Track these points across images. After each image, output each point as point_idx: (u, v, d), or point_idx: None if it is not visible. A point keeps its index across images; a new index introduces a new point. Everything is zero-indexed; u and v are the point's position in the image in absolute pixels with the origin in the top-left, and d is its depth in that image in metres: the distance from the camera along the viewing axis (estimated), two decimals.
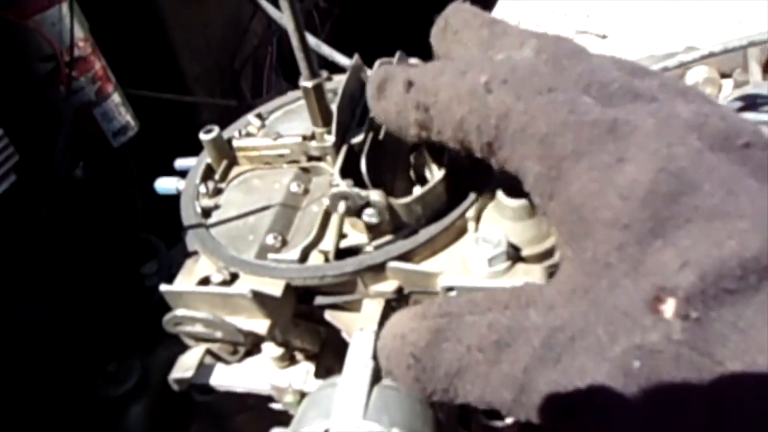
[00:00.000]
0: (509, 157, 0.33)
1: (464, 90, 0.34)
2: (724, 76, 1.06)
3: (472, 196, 0.49)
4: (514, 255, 0.45)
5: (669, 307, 0.27)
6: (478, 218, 0.48)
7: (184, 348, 0.55)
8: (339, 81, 0.64)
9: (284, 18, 0.46)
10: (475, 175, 0.51)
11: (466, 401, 0.32)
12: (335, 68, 0.94)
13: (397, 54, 0.56)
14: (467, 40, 0.41)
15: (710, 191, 0.28)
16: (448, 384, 0.32)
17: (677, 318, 0.26)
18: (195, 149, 0.61)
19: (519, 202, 0.47)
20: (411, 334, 0.32)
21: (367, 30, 1.83)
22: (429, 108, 0.36)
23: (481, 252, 0.44)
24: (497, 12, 1.34)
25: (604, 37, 1.24)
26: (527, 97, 0.32)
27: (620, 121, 0.30)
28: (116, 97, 0.98)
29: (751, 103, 0.87)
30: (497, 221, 0.48)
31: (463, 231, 0.48)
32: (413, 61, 0.59)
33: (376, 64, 0.59)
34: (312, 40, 0.92)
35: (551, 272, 0.45)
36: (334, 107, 0.51)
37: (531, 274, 0.44)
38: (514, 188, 0.49)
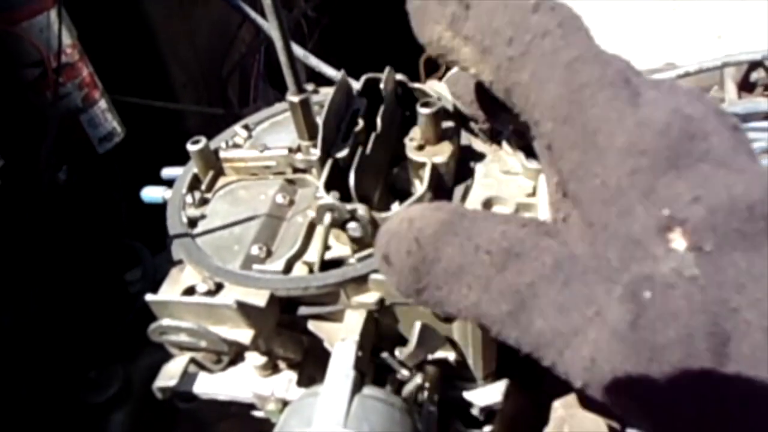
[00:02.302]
0: (529, 79, 0.32)
1: (511, 2, 0.33)
2: None
3: None
4: None
5: (679, 239, 0.26)
6: None
7: (166, 355, 0.55)
8: (326, 94, 0.65)
9: (272, 31, 0.47)
10: (455, 191, 0.53)
11: (457, 309, 0.31)
12: (322, 79, 0.96)
13: (386, 69, 0.57)
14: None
15: (717, 143, 0.28)
16: (444, 282, 0.31)
17: (690, 251, 0.26)
18: (181, 156, 0.62)
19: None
20: (420, 220, 0.31)
21: (356, 39, 1.85)
22: (470, 6, 0.35)
23: None
24: None
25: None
26: (567, 26, 0.32)
27: (637, 81, 0.31)
28: (103, 104, 0.98)
29: None
30: None
31: None
32: (400, 77, 0.61)
33: (362, 78, 0.60)
34: (299, 51, 0.93)
35: None
36: (320, 120, 0.52)
37: None
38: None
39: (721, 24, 1.17)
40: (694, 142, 0.28)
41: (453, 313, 0.31)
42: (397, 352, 0.51)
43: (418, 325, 0.49)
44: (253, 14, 1.04)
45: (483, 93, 0.46)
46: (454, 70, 0.59)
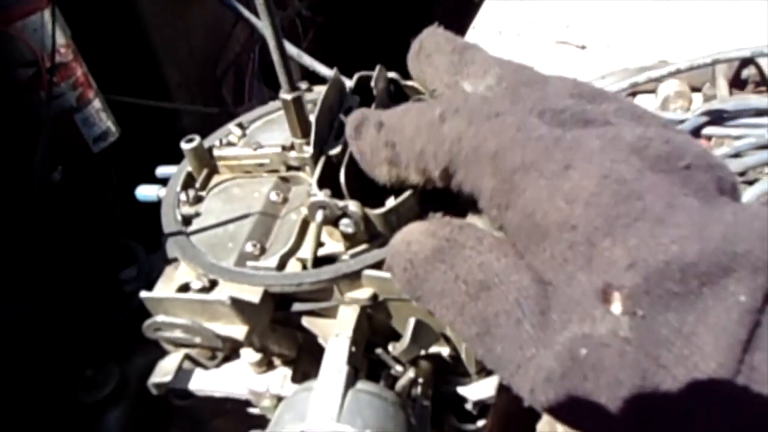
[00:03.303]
0: (464, 178, 0.37)
1: (423, 123, 0.38)
2: (694, 89, 1.09)
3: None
4: None
5: (616, 303, 0.29)
6: None
7: (162, 353, 0.55)
8: (319, 92, 0.66)
9: (265, 30, 0.48)
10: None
11: (443, 322, 0.35)
12: (316, 77, 0.96)
13: (378, 67, 0.58)
14: (438, 64, 0.44)
15: (652, 201, 0.30)
16: (430, 299, 0.35)
17: (624, 314, 0.29)
18: (176, 155, 0.62)
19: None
20: (415, 244, 0.36)
21: (351, 38, 1.85)
22: (396, 144, 0.40)
23: None
24: (479, 23, 1.37)
25: (583, 47, 1.28)
26: (477, 122, 0.35)
27: (567, 137, 0.33)
28: (97, 103, 0.99)
29: (716, 117, 0.91)
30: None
31: None
32: (392, 74, 0.61)
33: (355, 76, 0.61)
34: (293, 50, 0.94)
35: None
36: (313, 118, 0.52)
37: None
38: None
39: (715, 22, 1.18)
40: (627, 202, 0.30)
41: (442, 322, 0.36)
42: (390, 348, 0.52)
43: (412, 321, 0.49)
44: (246, 13, 1.04)
45: None
46: None
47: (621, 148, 0.33)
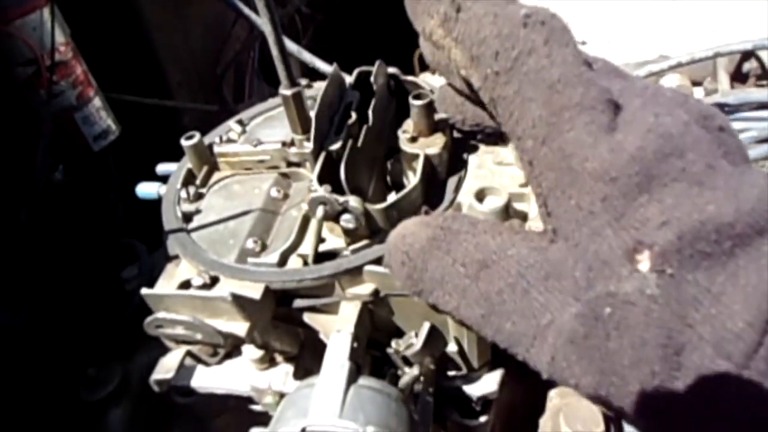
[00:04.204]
0: (512, 95, 0.34)
1: (502, 12, 0.35)
2: (695, 83, 1.09)
3: (446, 201, 0.51)
4: None
5: (645, 261, 0.28)
6: None
7: (164, 351, 0.55)
8: (319, 88, 0.66)
9: (264, 26, 0.48)
10: (448, 182, 0.53)
11: (447, 310, 0.35)
12: (316, 74, 0.96)
13: (377, 63, 0.58)
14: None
15: (693, 159, 0.29)
16: (432, 289, 0.35)
17: (652, 272, 0.28)
18: (177, 153, 0.62)
19: (491, 208, 0.48)
20: (410, 237, 0.36)
21: (350, 35, 1.85)
22: (461, 9, 0.36)
23: None
24: None
25: (583, 43, 1.27)
26: (554, 43, 0.33)
27: (620, 91, 0.32)
28: (97, 102, 0.98)
29: None
30: None
31: None
32: (392, 70, 0.61)
33: (355, 72, 0.61)
34: (293, 47, 0.93)
35: None
36: (312, 114, 0.52)
37: None
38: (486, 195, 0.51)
39: (715, 17, 1.17)
40: (669, 161, 0.30)
41: (447, 313, 0.36)
42: (393, 344, 0.52)
43: (426, 326, 0.50)
44: (246, 10, 1.04)
45: (469, 107, 0.48)
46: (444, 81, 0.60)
47: (664, 101, 0.32)
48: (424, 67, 1.47)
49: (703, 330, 0.27)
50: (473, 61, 0.36)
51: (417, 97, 0.53)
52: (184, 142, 0.59)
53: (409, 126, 0.55)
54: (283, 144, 0.58)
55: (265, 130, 0.64)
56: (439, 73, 0.44)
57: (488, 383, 0.56)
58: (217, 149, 0.61)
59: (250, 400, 0.60)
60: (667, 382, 0.28)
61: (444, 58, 0.39)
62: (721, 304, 0.27)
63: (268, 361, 0.58)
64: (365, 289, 0.49)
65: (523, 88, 0.33)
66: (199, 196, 0.59)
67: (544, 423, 0.62)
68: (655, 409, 0.28)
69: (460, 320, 0.35)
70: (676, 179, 0.29)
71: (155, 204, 0.62)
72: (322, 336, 0.51)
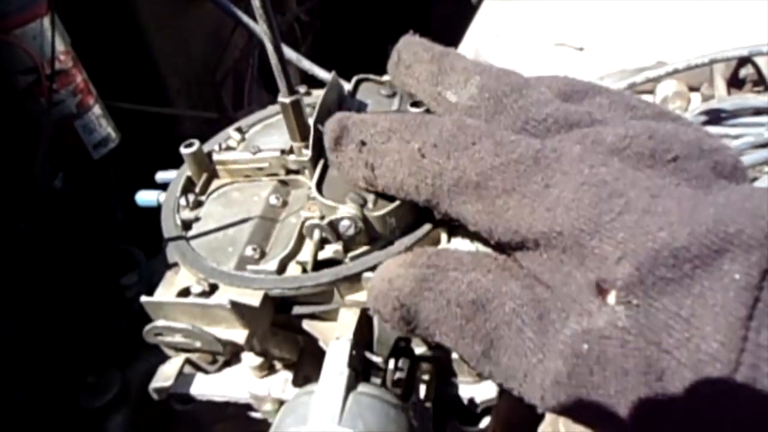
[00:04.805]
0: (449, 208, 0.37)
1: (405, 156, 0.38)
2: (692, 89, 1.10)
3: None
4: None
5: (611, 296, 0.30)
6: (450, 230, 0.50)
7: (163, 359, 0.55)
8: (318, 96, 0.66)
9: (263, 34, 0.48)
10: None
11: (444, 346, 0.36)
12: (315, 81, 0.96)
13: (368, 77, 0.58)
14: (418, 74, 0.45)
15: (636, 196, 0.30)
16: (427, 328, 0.36)
17: (620, 305, 0.29)
18: (176, 161, 0.62)
19: None
20: (397, 280, 0.36)
21: (349, 43, 1.86)
22: (375, 168, 0.41)
23: None
24: (477, 25, 1.37)
25: (581, 49, 1.28)
26: (456, 154, 0.36)
27: (546, 150, 0.34)
28: (97, 110, 0.99)
29: (714, 117, 0.91)
30: (469, 233, 0.49)
31: (436, 242, 0.50)
32: (386, 78, 0.61)
33: (353, 79, 0.61)
34: (292, 54, 0.94)
35: None
36: (311, 122, 0.53)
37: None
38: None
39: (712, 22, 1.18)
40: (610, 201, 0.31)
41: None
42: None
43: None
44: (245, 18, 1.04)
45: None
46: None
47: (600, 151, 0.33)
48: None
49: (680, 354, 0.27)
50: (406, 198, 0.42)
51: (414, 105, 0.53)
52: (184, 150, 0.59)
53: None
54: (282, 152, 0.58)
55: (264, 138, 0.65)
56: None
57: (487, 390, 0.56)
58: (216, 157, 0.61)
59: (249, 407, 0.60)
60: (654, 406, 0.28)
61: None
62: (693, 327, 0.27)
63: (267, 369, 0.58)
64: (364, 295, 0.49)
65: (453, 200, 0.37)
66: (198, 204, 0.59)
67: (544, 429, 0.62)
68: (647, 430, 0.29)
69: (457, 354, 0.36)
70: (622, 212, 0.30)
71: (154, 211, 0.63)
72: (321, 343, 0.51)
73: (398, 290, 0.36)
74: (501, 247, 0.37)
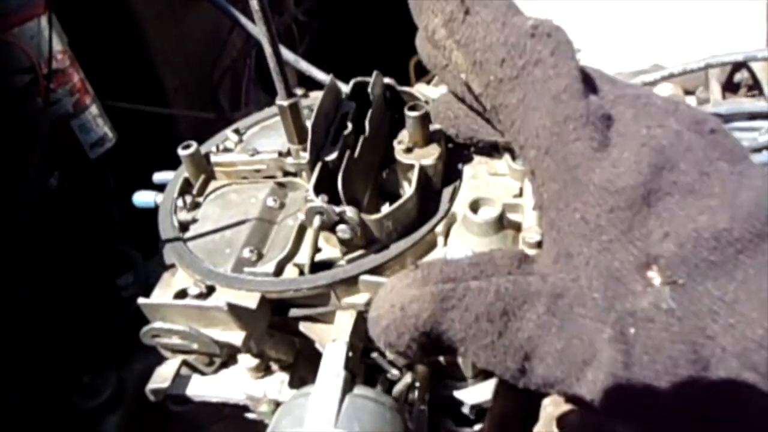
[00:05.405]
0: (516, 104, 0.33)
1: (509, 21, 0.34)
2: (688, 93, 1.10)
3: (441, 212, 0.51)
4: None
5: (656, 275, 0.28)
6: (446, 233, 0.51)
7: (159, 359, 0.55)
8: (315, 97, 0.66)
9: (261, 37, 0.48)
10: (443, 192, 0.54)
11: (479, 365, 0.33)
12: (313, 82, 0.96)
13: (374, 74, 0.58)
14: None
15: (686, 170, 0.30)
16: (452, 349, 0.32)
17: (665, 285, 0.28)
18: (173, 161, 0.62)
19: (485, 218, 0.49)
20: (412, 305, 0.31)
21: (347, 43, 1.86)
22: (470, 12, 0.35)
23: None
24: None
25: (578, 51, 1.28)
26: (560, 55, 0.33)
27: (613, 102, 0.33)
28: (94, 109, 0.99)
29: None
30: (464, 236, 0.50)
31: (432, 245, 0.50)
32: (389, 80, 0.61)
33: (351, 82, 0.61)
34: (290, 55, 0.94)
35: None
36: (309, 124, 0.53)
37: None
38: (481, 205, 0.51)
39: (708, 26, 1.18)
40: (662, 174, 0.30)
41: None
42: (387, 352, 0.52)
43: None
44: (243, 20, 1.04)
45: (462, 121, 0.48)
46: (440, 90, 0.60)
47: (654, 113, 0.32)
48: (420, 74, 1.48)
49: (725, 341, 0.27)
50: (476, 65, 0.35)
51: (412, 108, 0.53)
52: (181, 152, 0.59)
53: (404, 136, 0.56)
54: (280, 154, 0.58)
55: (261, 140, 0.65)
56: (434, 72, 0.43)
57: (482, 392, 0.56)
58: (213, 158, 0.61)
59: (245, 408, 0.60)
60: (701, 396, 0.27)
61: (442, 59, 0.39)
62: (737, 313, 0.27)
63: (264, 370, 0.58)
64: (360, 298, 0.50)
65: (528, 97, 0.33)
66: (195, 205, 0.59)
67: (538, 430, 0.63)
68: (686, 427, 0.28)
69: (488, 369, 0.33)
70: (669, 193, 0.29)
71: (151, 211, 0.63)
72: (317, 345, 0.51)
73: (415, 317, 0.31)
74: (537, 180, 0.33)
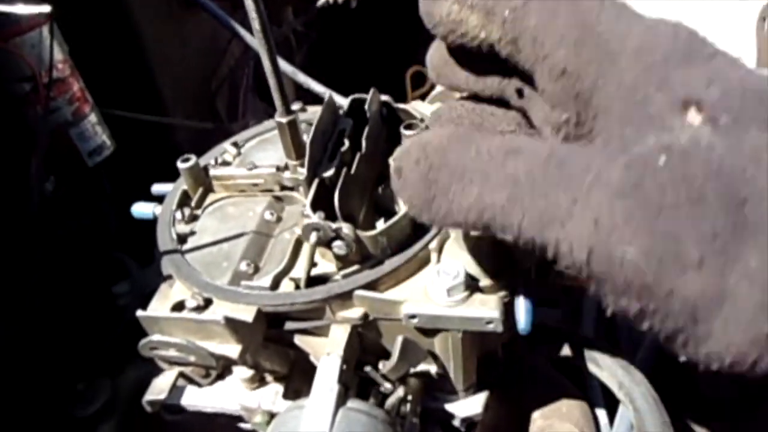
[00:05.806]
0: (536, 21, 0.33)
1: None
2: None
3: (434, 229, 0.53)
4: (472, 285, 0.48)
5: (697, 116, 0.27)
6: (440, 250, 0.52)
7: (154, 368, 0.56)
8: (313, 112, 0.67)
9: (261, 54, 0.49)
10: None
11: (463, 213, 0.31)
12: (310, 94, 0.97)
13: (371, 91, 0.59)
14: None
15: (725, 49, 0.30)
16: (449, 185, 0.31)
17: (706, 124, 0.27)
18: (171, 170, 0.63)
19: (478, 236, 0.50)
20: (427, 135, 0.34)
21: (344, 54, 1.87)
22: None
23: (441, 282, 0.47)
24: None
25: None
26: None
27: None
28: (93, 118, 0.99)
29: None
30: (458, 253, 0.51)
31: (425, 262, 0.51)
32: (385, 97, 0.63)
33: (349, 99, 0.62)
34: (288, 68, 0.95)
35: (506, 302, 0.48)
36: (307, 139, 0.54)
37: (487, 304, 0.47)
38: None
39: (705, 27, 1.19)
40: (704, 43, 0.30)
41: (459, 222, 0.32)
42: (380, 366, 0.53)
43: (399, 339, 0.50)
44: (242, 31, 1.05)
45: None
46: (437, 89, 0.61)
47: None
48: (417, 84, 1.49)
49: (766, 184, 0.25)
50: (490, 14, 0.35)
51: (408, 126, 0.54)
52: (180, 165, 0.60)
53: None
54: (278, 168, 0.59)
55: (259, 153, 0.66)
56: (448, 41, 0.43)
57: (473, 405, 0.57)
58: (212, 172, 0.62)
59: (239, 418, 0.61)
60: (730, 246, 0.25)
61: (461, 40, 0.38)
62: None
63: (258, 381, 0.59)
64: (355, 312, 0.50)
65: (544, 10, 0.33)
66: (193, 218, 0.60)
67: None
68: (715, 292, 0.25)
69: (478, 217, 0.31)
70: (712, 57, 0.29)
71: (147, 220, 0.63)
72: (312, 358, 0.52)
73: (426, 143, 0.33)
74: (571, 68, 0.32)
